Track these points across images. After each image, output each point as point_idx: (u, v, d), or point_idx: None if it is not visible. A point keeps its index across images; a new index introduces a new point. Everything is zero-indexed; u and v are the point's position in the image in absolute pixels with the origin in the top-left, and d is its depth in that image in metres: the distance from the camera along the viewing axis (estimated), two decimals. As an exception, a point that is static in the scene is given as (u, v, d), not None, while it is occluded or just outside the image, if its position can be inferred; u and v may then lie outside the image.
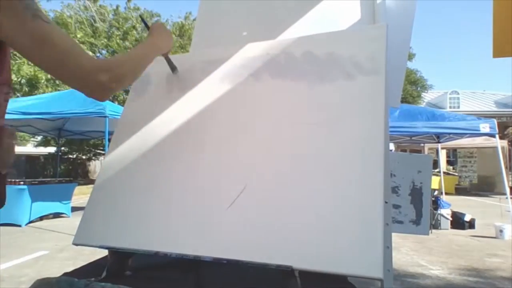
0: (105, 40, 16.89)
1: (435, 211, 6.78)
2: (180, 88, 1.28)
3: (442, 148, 12.27)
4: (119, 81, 0.89)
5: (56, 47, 0.80)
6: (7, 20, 0.76)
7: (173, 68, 1.30)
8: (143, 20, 1.36)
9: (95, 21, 16.27)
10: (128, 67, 0.94)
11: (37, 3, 0.82)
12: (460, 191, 14.58)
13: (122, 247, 1.03)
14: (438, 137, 9.28)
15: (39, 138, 17.62)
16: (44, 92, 10.57)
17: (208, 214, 0.99)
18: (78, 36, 13.85)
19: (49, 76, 11.44)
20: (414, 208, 1.64)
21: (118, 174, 1.18)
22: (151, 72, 1.36)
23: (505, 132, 14.86)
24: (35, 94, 10.12)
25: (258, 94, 1.16)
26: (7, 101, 0.93)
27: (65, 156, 18.05)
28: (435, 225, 6.80)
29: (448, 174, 15.34)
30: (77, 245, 1.10)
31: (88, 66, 0.83)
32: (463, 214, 7.11)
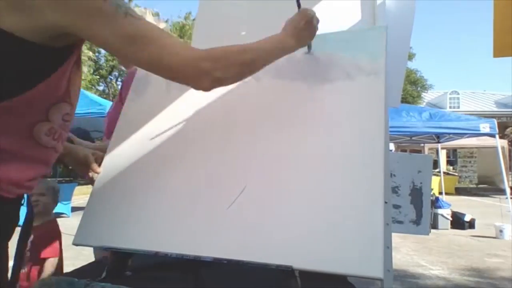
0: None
1: (430, 210, 6.78)
2: (179, 88, 1.28)
3: (442, 148, 12.27)
4: (226, 71, 0.85)
5: (150, 41, 0.78)
6: (101, 21, 0.75)
7: (309, 47, 1.17)
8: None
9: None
10: (240, 58, 0.88)
11: (124, 1, 0.80)
12: (460, 191, 14.58)
13: (122, 247, 1.03)
14: (438, 137, 9.27)
15: (39, 138, 17.56)
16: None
17: (208, 214, 0.99)
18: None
19: None
20: (414, 208, 1.64)
21: (118, 174, 1.18)
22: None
23: (505, 132, 14.86)
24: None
25: (258, 94, 1.16)
26: (68, 121, 0.89)
27: (65, 156, 18.00)
28: (433, 225, 6.80)
29: (448, 174, 15.34)
30: (77, 245, 1.10)
31: (186, 55, 0.80)
32: (463, 214, 7.11)
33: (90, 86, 12.40)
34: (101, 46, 0.82)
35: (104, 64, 18.16)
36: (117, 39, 0.76)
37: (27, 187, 0.85)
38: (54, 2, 0.72)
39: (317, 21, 1.06)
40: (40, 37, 0.74)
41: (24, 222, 1.02)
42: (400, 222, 1.63)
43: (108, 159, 1.24)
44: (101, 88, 18.64)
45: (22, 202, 0.91)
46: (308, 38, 1.06)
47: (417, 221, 1.64)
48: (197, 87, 0.85)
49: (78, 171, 1.15)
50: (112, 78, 19.23)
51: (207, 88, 0.85)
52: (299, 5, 1.06)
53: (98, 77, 16.30)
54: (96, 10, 0.74)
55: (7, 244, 0.90)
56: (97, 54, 17.71)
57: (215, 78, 0.83)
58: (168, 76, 0.84)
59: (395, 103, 1.47)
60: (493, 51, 1.53)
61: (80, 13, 0.73)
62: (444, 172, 11.72)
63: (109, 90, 18.48)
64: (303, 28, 1.03)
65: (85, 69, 13.25)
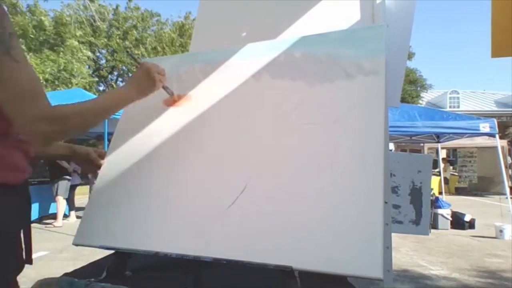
0: (105, 39, 16.91)
1: (429, 210, 6.77)
2: (180, 88, 1.28)
3: (442, 148, 12.26)
4: (65, 133, 0.90)
5: (12, 88, 0.79)
6: None
7: (170, 93, 1.24)
8: (131, 56, 1.30)
9: (94, 20, 16.30)
10: (78, 122, 0.90)
11: (15, 41, 0.81)
12: (460, 191, 14.56)
13: (122, 247, 1.03)
14: (438, 137, 9.27)
15: (39, 138, 17.55)
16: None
17: (208, 214, 0.99)
18: (77, 35, 13.84)
19: (47, 76, 11.39)
20: (414, 208, 1.64)
21: (118, 174, 1.18)
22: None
23: (506, 132, 14.84)
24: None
25: (258, 94, 1.16)
26: None
27: (65, 156, 17.98)
28: (433, 225, 6.79)
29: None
30: (77, 245, 1.10)
31: (35, 115, 0.81)
32: (463, 214, 7.10)
33: (89, 87, 12.40)
34: None
35: (105, 64, 18.16)
36: None
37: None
38: None
39: (157, 72, 1.12)
40: None
41: None
42: (400, 222, 1.63)
43: (109, 159, 1.24)
44: (101, 88, 18.64)
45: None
46: (149, 88, 1.12)
47: (416, 221, 1.63)
48: (33, 143, 0.91)
49: (85, 168, 1.28)
50: (112, 78, 19.23)
51: (39, 148, 0.91)
52: (136, 61, 1.16)
53: (96, 79, 16.30)
54: None
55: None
56: (98, 54, 17.72)
57: (53, 139, 0.89)
58: (15, 125, 0.85)
59: (395, 103, 1.47)
60: (491, 51, 1.53)
61: None
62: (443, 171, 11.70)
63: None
64: (143, 80, 1.10)
65: (85, 69, 13.27)
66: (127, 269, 1.08)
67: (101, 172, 1.22)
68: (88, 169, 1.37)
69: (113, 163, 1.22)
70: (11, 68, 0.79)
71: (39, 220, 6.94)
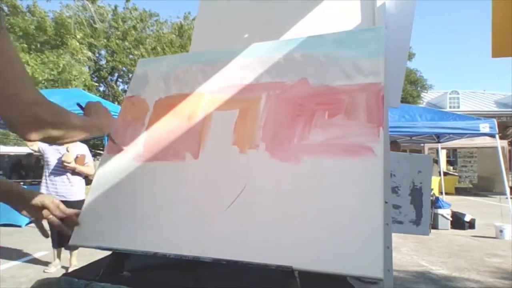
0: (105, 40, 16.93)
1: (430, 210, 6.77)
2: (178, 89, 1.28)
3: (442, 148, 12.26)
4: (55, 127, 0.82)
5: (18, 69, 0.76)
6: None
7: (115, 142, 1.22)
8: (79, 105, 1.21)
9: (94, 21, 16.31)
10: (71, 123, 0.87)
11: (2, 21, 0.76)
12: (460, 191, 14.57)
13: (120, 248, 1.02)
14: (438, 137, 9.28)
15: (39, 138, 17.53)
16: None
17: (208, 214, 0.99)
18: (78, 37, 13.84)
19: (46, 76, 11.37)
20: (414, 208, 1.64)
21: (115, 175, 1.18)
22: (149, 72, 1.36)
23: (506, 133, 14.84)
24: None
25: (257, 95, 1.16)
26: None
27: (65, 156, 17.96)
28: (433, 225, 6.80)
29: (448, 174, 15.34)
30: (73, 245, 1.10)
31: (36, 99, 0.78)
32: (463, 214, 7.11)
33: (88, 90, 12.39)
34: None
35: (105, 65, 18.16)
36: None
37: None
38: None
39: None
40: None
41: None
42: (400, 223, 1.62)
43: (105, 160, 1.24)
44: (101, 89, 18.64)
45: None
46: (107, 126, 1.10)
47: (417, 222, 1.63)
48: (19, 131, 0.81)
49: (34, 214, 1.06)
50: (112, 79, 19.23)
51: (27, 137, 0.81)
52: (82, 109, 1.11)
53: (96, 84, 16.29)
54: None
55: None
56: (97, 55, 17.72)
57: (43, 129, 0.80)
58: (2, 109, 0.78)
59: (394, 103, 1.46)
60: (491, 51, 1.53)
61: None
62: (444, 172, 11.71)
63: (109, 91, 18.48)
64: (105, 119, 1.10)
65: (85, 70, 13.27)
66: (127, 269, 1.08)
67: (98, 172, 1.22)
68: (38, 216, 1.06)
69: (110, 163, 1.21)
70: (14, 48, 0.75)
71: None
